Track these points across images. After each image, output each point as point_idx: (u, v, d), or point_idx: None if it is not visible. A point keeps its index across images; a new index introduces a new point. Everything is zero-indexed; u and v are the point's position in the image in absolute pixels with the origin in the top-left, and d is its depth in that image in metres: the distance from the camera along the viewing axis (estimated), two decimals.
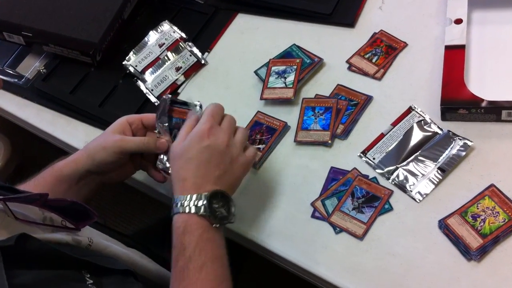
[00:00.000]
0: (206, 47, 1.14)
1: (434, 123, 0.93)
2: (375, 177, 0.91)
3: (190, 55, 1.12)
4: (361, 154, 0.94)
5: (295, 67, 1.04)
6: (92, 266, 0.70)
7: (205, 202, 0.76)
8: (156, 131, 0.90)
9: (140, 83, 1.10)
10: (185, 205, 0.76)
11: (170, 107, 0.89)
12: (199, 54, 1.12)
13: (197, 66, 1.12)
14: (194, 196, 0.77)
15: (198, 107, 0.91)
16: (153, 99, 1.08)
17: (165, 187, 0.98)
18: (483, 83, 0.93)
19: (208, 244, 0.76)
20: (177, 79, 1.10)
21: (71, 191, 0.87)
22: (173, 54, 1.11)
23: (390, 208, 0.88)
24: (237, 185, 0.84)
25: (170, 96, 0.90)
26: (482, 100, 0.88)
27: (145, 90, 1.09)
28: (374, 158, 0.93)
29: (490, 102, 0.87)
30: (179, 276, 0.74)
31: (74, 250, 0.72)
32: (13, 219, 0.69)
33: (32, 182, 0.88)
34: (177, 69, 1.10)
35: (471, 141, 0.89)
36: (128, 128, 0.90)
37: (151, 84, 1.09)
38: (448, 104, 0.90)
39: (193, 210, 0.76)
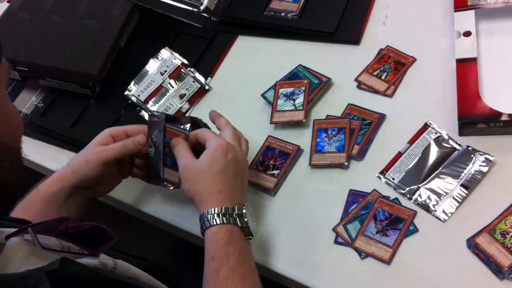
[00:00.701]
0: (208, 72, 1.12)
1: (452, 139, 0.92)
2: (396, 198, 0.89)
3: (194, 81, 1.09)
4: (380, 175, 0.92)
5: (303, 88, 1.02)
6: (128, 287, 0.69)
7: (244, 213, 0.79)
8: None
9: (144, 112, 1.07)
10: (226, 216, 0.78)
11: (164, 126, 0.89)
12: (202, 80, 1.10)
13: (201, 92, 1.09)
14: (233, 208, 0.79)
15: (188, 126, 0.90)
16: None
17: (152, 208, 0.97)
18: (497, 95, 0.92)
19: (247, 255, 0.79)
20: (181, 107, 1.07)
21: (61, 211, 0.85)
22: (176, 81, 1.09)
23: (416, 230, 0.86)
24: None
25: (164, 114, 0.89)
26: (501, 113, 0.87)
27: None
28: (393, 178, 0.91)
29: (510, 115, 0.86)
30: (222, 286, 0.75)
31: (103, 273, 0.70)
32: (39, 248, 0.66)
33: (19, 208, 0.85)
34: (181, 96, 1.08)
35: (492, 156, 0.88)
36: (111, 140, 0.89)
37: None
38: (466, 119, 0.89)
39: (233, 221, 0.78)
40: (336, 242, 0.87)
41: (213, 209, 0.79)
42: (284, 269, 0.87)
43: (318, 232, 0.89)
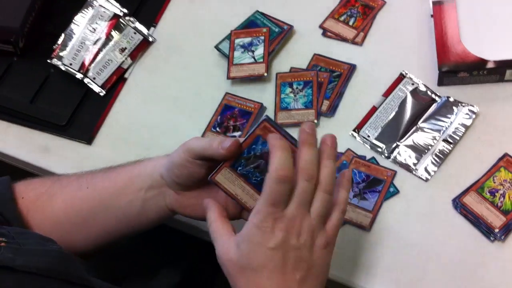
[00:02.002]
0: (150, 21, 1.02)
1: (430, 90, 0.87)
2: (373, 158, 0.84)
3: (135, 33, 0.99)
4: (354, 132, 0.87)
5: (262, 37, 0.95)
6: None
7: None
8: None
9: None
10: None
11: (266, 125, 0.63)
12: (145, 31, 1.00)
13: (144, 44, 0.99)
14: None
15: None
16: (96, 88, 0.95)
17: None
18: (480, 41, 0.87)
19: None
20: (123, 62, 0.97)
21: (139, 196, 0.71)
22: (116, 31, 0.98)
23: (396, 191, 0.82)
24: (327, 275, 0.64)
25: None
26: (486, 61, 0.83)
27: (86, 79, 0.96)
28: (369, 136, 0.86)
29: (496, 63, 0.82)
30: None
31: None
32: None
33: (103, 173, 0.74)
34: (122, 50, 0.98)
35: (476, 107, 0.84)
36: None
37: (92, 71, 0.96)
38: (447, 68, 0.85)
39: None
40: None
41: None
42: None
43: None
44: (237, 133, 0.89)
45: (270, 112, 0.90)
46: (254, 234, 0.59)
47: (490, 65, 0.82)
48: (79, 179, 0.75)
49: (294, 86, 0.91)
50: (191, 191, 0.70)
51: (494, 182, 0.79)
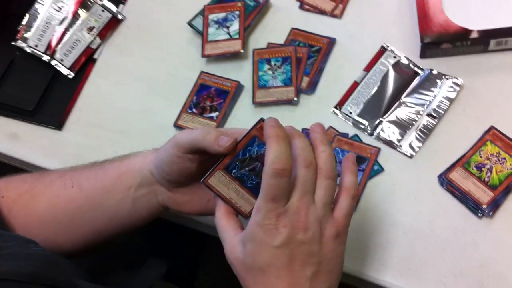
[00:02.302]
0: None
1: (413, 63, 0.85)
2: (356, 135, 0.82)
3: (103, 11, 0.95)
4: (335, 109, 0.84)
5: (237, 12, 0.91)
6: None
7: None
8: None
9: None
10: None
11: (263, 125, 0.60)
12: (113, 8, 0.96)
13: (114, 23, 0.95)
14: None
15: None
16: (64, 70, 0.92)
17: None
18: (463, 9, 0.84)
19: None
20: (91, 42, 0.93)
21: (129, 195, 0.69)
22: (83, 10, 0.94)
23: (381, 169, 0.80)
24: (341, 268, 0.61)
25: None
26: (470, 31, 0.80)
27: (53, 61, 0.92)
28: (351, 112, 0.83)
29: (480, 33, 0.80)
30: None
31: None
32: None
33: (88, 171, 0.71)
34: (90, 29, 0.94)
35: (460, 79, 0.82)
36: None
37: (59, 52, 0.92)
38: (430, 39, 0.82)
39: None
40: None
41: None
42: None
43: None
44: (214, 114, 0.86)
45: (248, 90, 0.87)
46: (257, 233, 0.56)
47: (473, 35, 0.80)
48: (62, 178, 0.71)
49: (272, 63, 0.88)
50: (184, 187, 0.67)
51: (481, 157, 0.77)
